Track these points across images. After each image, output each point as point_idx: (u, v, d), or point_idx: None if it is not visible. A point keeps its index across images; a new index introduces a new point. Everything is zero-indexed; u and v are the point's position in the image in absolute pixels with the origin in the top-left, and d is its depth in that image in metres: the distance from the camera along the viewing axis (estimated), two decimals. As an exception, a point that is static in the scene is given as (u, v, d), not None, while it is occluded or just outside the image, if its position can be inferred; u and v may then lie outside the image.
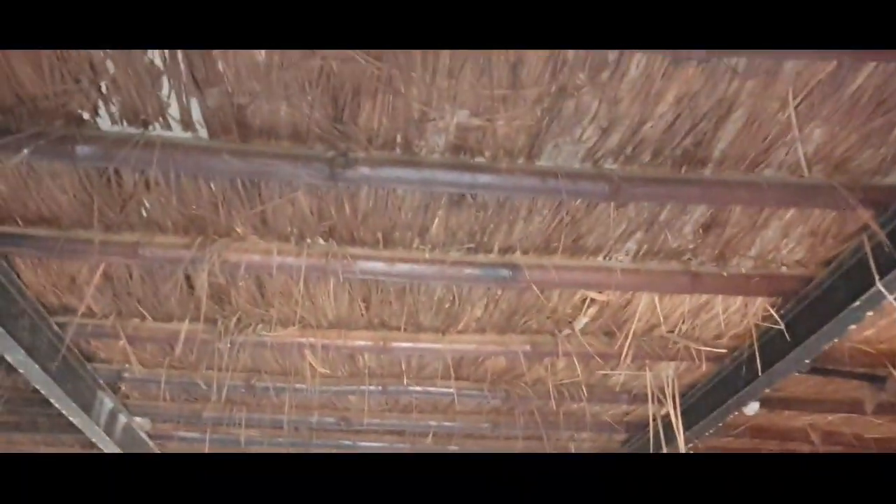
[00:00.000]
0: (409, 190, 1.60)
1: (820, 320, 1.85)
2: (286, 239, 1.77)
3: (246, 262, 1.76)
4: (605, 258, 1.84)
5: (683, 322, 2.11)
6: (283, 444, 3.16)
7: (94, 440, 2.68)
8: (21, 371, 2.07)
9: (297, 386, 2.46)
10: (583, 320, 2.10)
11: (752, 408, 2.57)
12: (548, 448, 3.11)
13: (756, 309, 2.04)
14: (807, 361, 2.01)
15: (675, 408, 2.36)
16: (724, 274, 1.86)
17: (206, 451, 3.07)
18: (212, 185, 1.60)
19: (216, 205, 1.65)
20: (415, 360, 2.38)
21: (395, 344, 2.19)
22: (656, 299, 2.01)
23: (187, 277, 1.92)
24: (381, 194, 1.62)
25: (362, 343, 2.19)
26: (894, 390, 2.31)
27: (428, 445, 3.05)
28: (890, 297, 1.66)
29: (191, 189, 1.61)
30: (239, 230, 1.74)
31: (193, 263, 1.76)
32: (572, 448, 3.12)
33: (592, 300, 2.00)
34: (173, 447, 3.23)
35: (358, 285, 1.95)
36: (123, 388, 2.69)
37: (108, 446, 2.73)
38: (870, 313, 1.75)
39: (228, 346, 2.10)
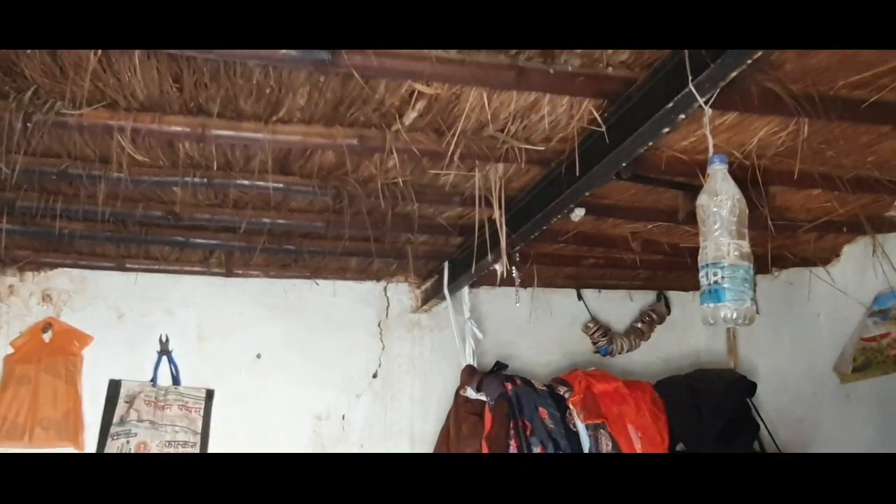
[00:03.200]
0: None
1: (637, 123, 1.88)
2: None
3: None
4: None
5: (512, 122, 2.10)
6: (110, 238, 3.05)
7: None
8: None
9: (115, 175, 2.32)
10: (411, 115, 2.06)
11: (578, 214, 2.66)
12: (386, 248, 3.15)
13: (582, 112, 2.04)
14: (624, 164, 2.06)
15: (500, 209, 2.41)
16: (551, 71, 1.84)
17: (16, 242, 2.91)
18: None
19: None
20: (239, 150, 2.29)
21: (214, 132, 2.08)
22: (485, 96, 1.97)
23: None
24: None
25: (179, 129, 2.06)
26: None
27: (262, 242, 3.01)
28: (700, 100, 1.69)
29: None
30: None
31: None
32: (409, 251, 3.18)
33: (420, 93, 1.95)
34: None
35: (166, 61, 1.80)
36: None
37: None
38: (682, 116, 1.78)
39: (26, 125, 1.93)
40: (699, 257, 1.85)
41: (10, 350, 3.32)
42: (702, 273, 1.83)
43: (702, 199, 1.85)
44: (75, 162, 2.30)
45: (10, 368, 3.29)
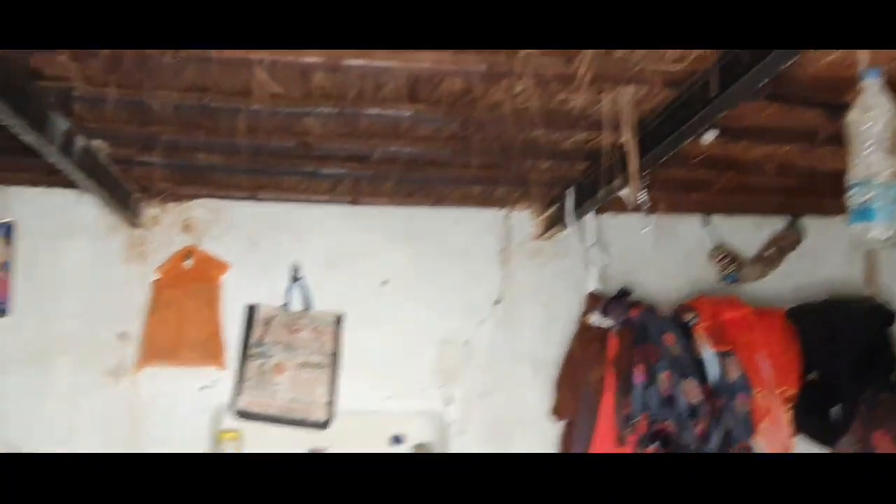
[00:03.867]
0: None
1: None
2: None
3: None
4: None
5: (645, 42, 2.04)
6: (245, 170, 3.18)
7: (52, 162, 2.66)
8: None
9: (251, 108, 2.41)
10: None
11: (710, 136, 2.58)
12: (509, 175, 3.15)
13: (720, 29, 1.96)
14: (764, 83, 1.97)
15: (630, 133, 2.36)
16: (690, -12, 1.76)
17: (170, 176, 3.08)
18: None
19: None
20: (370, 79, 2.31)
21: (348, 61, 2.11)
22: (618, 16, 1.91)
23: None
24: None
25: (314, 60, 2.11)
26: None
27: (390, 170, 3.07)
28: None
29: None
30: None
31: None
32: (533, 177, 3.17)
33: (551, 15, 1.91)
34: (136, 173, 3.24)
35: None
36: (76, 108, 2.62)
37: (69, 169, 2.72)
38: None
39: (172, 59, 2.02)
40: (847, 176, 1.77)
41: (157, 276, 3.56)
42: (851, 192, 1.75)
43: (852, 116, 1.76)
44: (216, 95, 2.39)
45: (157, 293, 3.52)
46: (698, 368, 3.15)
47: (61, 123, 2.58)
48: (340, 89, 2.38)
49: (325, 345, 3.57)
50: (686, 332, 3.23)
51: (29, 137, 2.41)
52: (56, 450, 3.35)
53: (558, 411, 3.45)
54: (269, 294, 3.59)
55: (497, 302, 3.66)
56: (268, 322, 3.56)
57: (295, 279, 3.60)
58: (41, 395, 3.44)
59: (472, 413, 3.60)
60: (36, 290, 3.50)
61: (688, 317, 3.26)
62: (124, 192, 3.33)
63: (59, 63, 2.18)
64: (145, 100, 2.40)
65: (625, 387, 3.11)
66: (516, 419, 3.59)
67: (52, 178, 3.26)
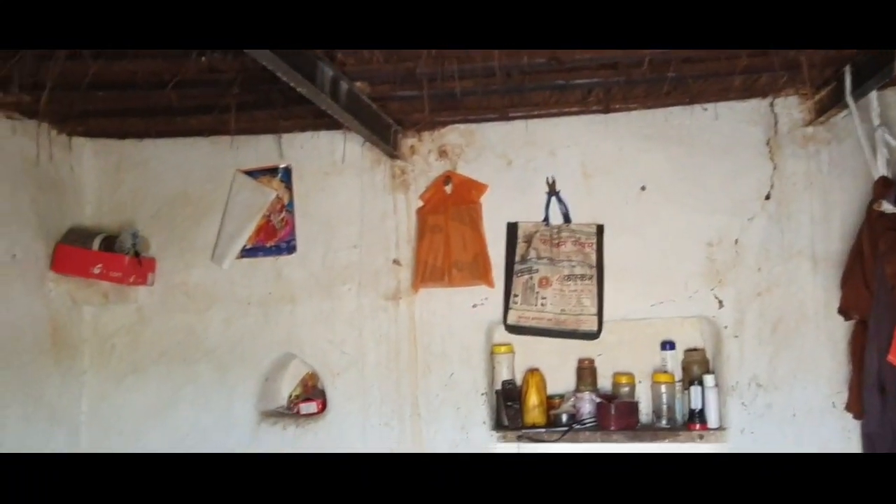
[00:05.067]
0: None
1: None
2: None
3: None
4: None
5: None
6: (496, 91, 3.18)
7: (323, 108, 2.83)
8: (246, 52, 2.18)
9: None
10: None
11: None
12: (777, 61, 2.90)
13: None
14: None
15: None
16: None
17: (426, 106, 3.17)
18: None
19: None
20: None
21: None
22: None
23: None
24: None
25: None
26: None
27: (642, 73, 2.96)
28: None
29: None
30: None
31: None
32: (803, 59, 2.89)
33: None
34: (393, 107, 3.37)
35: None
36: (339, 56, 2.76)
37: (336, 111, 2.88)
38: None
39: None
40: None
41: (420, 203, 3.72)
42: None
43: None
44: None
45: (423, 219, 3.69)
46: None
47: (328, 71, 2.73)
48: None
49: (588, 256, 3.57)
50: None
51: (302, 88, 2.59)
52: (348, 370, 3.69)
53: (847, 310, 3.21)
54: (528, 210, 3.63)
55: (767, 197, 3.44)
56: (529, 238, 3.61)
57: (552, 193, 3.61)
58: (330, 321, 3.77)
59: (745, 315, 3.46)
60: (315, 226, 3.81)
61: None
62: (384, 127, 3.48)
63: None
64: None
65: (928, 279, 2.83)
66: (796, 319, 3.41)
67: (319, 121, 3.50)
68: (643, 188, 3.54)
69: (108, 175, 3.96)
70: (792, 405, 3.38)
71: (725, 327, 3.48)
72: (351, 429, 3.70)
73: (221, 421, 3.82)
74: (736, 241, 3.47)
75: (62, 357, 3.76)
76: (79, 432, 3.88)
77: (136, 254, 3.69)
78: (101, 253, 3.66)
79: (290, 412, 3.94)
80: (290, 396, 4.04)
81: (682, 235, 3.50)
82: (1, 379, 3.35)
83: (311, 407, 3.85)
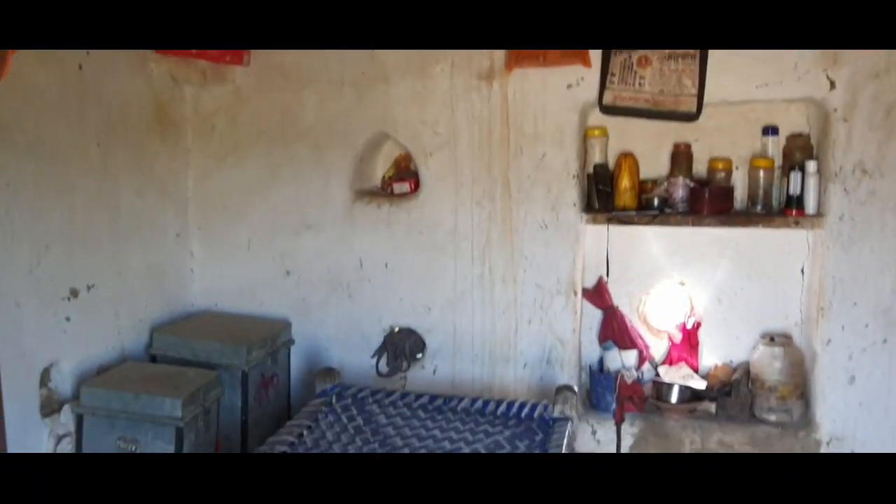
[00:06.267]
0: None
1: None
2: None
3: None
4: None
5: None
6: None
7: None
8: None
9: None
10: None
11: None
12: None
13: None
14: None
15: None
16: None
17: None
18: None
19: None
20: None
21: None
22: None
23: None
24: None
25: None
26: None
27: None
28: None
29: None
30: None
31: None
32: None
33: None
34: None
35: None
36: None
37: None
38: None
39: None
40: None
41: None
42: None
43: None
44: None
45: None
46: None
47: None
48: None
49: (691, 33, 3.39)
50: None
51: None
52: (440, 150, 3.72)
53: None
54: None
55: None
56: (630, 14, 3.44)
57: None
58: (423, 101, 3.76)
59: (858, 97, 3.27)
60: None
61: None
62: None
63: None
64: None
65: None
66: (914, 103, 3.21)
67: None
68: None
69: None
70: (896, 193, 3.27)
71: (835, 110, 3.31)
72: (443, 207, 3.79)
73: (318, 199, 3.96)
74: (856, 17, 3.21)
75: (167, 135, 3.90)
76: (187, 208, 4.10)
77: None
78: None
79: (383, 192, 4.05)
80: (384, 178, 4.13)
81: (797, 11, 3.26)
82: (117, 155, 3.52)
83: (405, 187, 3.94)
